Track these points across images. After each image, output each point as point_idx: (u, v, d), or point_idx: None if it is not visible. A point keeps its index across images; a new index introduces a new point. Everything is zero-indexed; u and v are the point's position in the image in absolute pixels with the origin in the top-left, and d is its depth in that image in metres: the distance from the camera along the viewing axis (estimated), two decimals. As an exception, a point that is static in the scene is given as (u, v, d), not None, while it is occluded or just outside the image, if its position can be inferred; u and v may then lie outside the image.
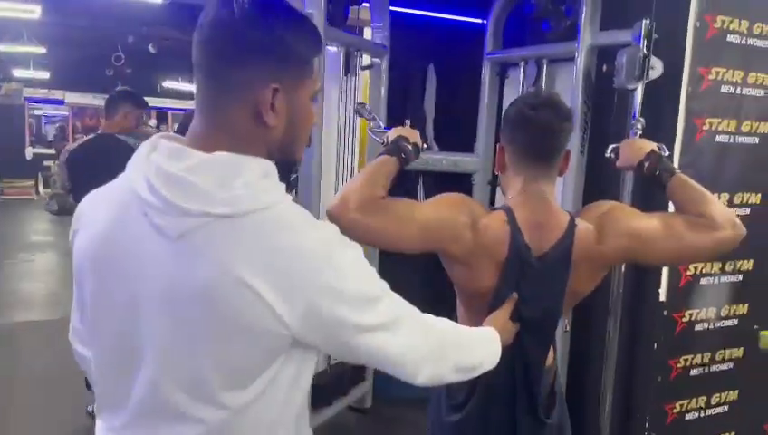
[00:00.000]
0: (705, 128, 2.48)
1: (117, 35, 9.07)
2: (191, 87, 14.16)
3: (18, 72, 12.23)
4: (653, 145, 1.50)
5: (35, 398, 3.48)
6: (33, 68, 11.85)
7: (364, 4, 3.08)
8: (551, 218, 1.36)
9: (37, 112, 14.81)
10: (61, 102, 14.06)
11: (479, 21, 3.45)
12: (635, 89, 2.34)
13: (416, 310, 0.96)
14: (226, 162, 0.81)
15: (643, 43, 2.27)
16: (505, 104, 3.14)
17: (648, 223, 1.36)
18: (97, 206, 0.89)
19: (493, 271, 1.33)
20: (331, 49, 2.75)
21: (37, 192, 12.39)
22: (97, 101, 14.25)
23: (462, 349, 1.07)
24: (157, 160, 0.81)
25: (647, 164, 1.44)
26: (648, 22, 2.26)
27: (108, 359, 0.90)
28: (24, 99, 13.53)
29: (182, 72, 13.06)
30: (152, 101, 14.51)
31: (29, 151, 13.18)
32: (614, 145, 1.62)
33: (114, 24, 8.07)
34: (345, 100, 2.88)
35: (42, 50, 9.50)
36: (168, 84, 13.44)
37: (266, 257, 0.78)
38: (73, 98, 14.03)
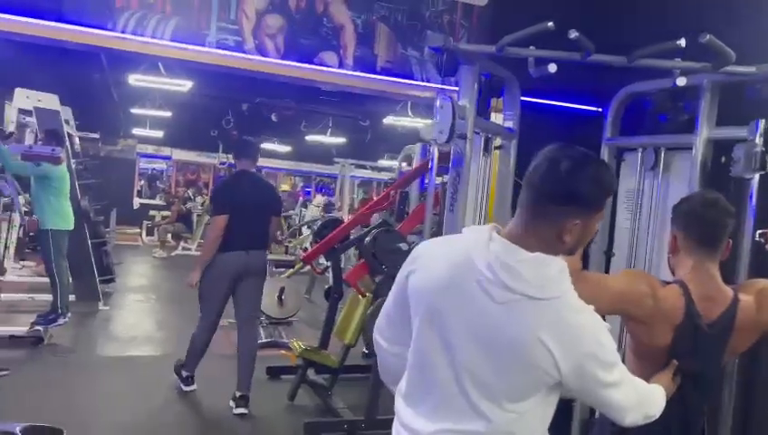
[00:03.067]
0: (816, 214, 2.77)
1: (232, 102, 10.09)
2: (285, 148, 15.24)
3: (136, 131, 13.55)
4: None
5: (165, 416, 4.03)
6: (149, 127, 13.13)
7: (501, 96, 3.58)
8: (718, 293, 1.75)
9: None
10: (168, 158, 15.36)
11: (595, 109, 3.88)
12: (751, 178, 2.68)
13: (628, 372, 1.37)
14: (541, 261, 1.25)
15: (759, 139, 2.62)
16: (621, 184, 3.55)
17: None
18: (433, 258, 1.35)
19: (668, 332, 1.71)
20: (476, 135, 3.24)
21: (141, 239, 13.42)
22: (200, 158, 15.52)
23: (650, 403, 1.47)
24: (495, 250, 1.26)
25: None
26: (764, 121, 2.62)
27: (417, 362, 1.36)
28: (137, 154, 14.88)
29: (279, 135, 14.08)
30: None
31: (136, 202, 14.39)
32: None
33: (233, 93, 9.03)
34: (483, 174, 3.34)
35: (168, 114, 10.61)
36: (265, 146, 14.49)
37: (559, 329, 1.23)
38: (179, 154, 15.31)
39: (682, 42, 2.52)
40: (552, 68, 2.66)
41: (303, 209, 13.40)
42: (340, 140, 12.86)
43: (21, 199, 5.96)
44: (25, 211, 6.21)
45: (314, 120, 11.72)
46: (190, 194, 13.74)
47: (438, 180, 4.28)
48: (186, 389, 4.41)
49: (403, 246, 3.77)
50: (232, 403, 4.15)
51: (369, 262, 3.83)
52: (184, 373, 4.44)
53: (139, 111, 10.92)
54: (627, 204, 3.46)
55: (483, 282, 1.25)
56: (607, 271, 3.49)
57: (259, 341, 5.82)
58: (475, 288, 1.26)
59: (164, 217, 13.04)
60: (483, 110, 3.24)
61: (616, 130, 3.55)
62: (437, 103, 2.84)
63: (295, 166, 15.53)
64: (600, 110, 3.72)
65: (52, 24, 2.91)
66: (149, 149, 15.26)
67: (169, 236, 12.17)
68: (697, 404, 1.78)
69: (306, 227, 10.45)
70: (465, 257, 1.28)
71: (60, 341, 5.32)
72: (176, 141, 14.83)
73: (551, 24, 2.54)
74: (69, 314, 5.45)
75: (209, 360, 4.56)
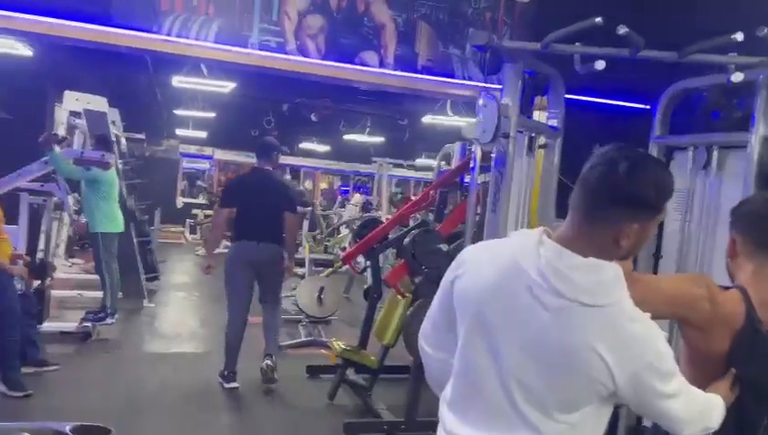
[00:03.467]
0: None
1: (273, 103, 10.21)
2: (324, 148, 15.34)
3: (179, 131, 13.83)
4: None
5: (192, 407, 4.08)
6: (191, 128, 13.38)
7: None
8: None
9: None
10: (210, 158, 15.63)
11: (642, 106, 3.77)
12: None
13: (686, 382, 1.31)
14: (595, 266, 1.20)
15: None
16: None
17: None
18: (479, 263, 1.31)
19: (726, 339, 1.63)
20: (520, 134, 3.18)
21: (185, 237, 13.68)
22: (240, 157, 15.74)
23: (709, 414, 1.41)
24: (546, 255, 1.21)
25: None
26: (826, 118, 2.50)
27: (463, 369, 1.32)
28: (180, 154, 15.19)
29: (318, 135, 14.19)
30: (288, 159, 15.94)
31: (180, 201, 14.69)
32: None
33: (274, 94, 9.13)
34: (526, 174, 3.28)
35: (211, 115, 10.79)
36: (304, 145, 14.62)
37: (614, 337, 1.18)
38: (220, 154, 15.57)
39: (739, 35, 2.42)
40: (600, 65, 2.59)
41: (341, 209, 13.48)
42: (379, 139, 12.87)
43: (70, 199, 6.14)
44: (74, 210, 6.41)
45: (353, 120, 11.76)
46: (231, 193, 13.92)
47: (480, 180, 4.24)
48: (227, 386, 4.47)
49: (443, 246, 3.73)
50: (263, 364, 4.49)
51: (409, 263, 3.81)
52: (225, 371, 4.52)
53: (182, 112, 11.13)
54: (676, 204, 3.35)
55: (533, 288, 1.21)
56: (654, 274, 3.39)
57: (298, 339, 5.91)
58: (524, 294, 1.21)
59: (206, 216, 13.26)
60: (526, 108, 3.18)
61: (665, 128, 3.44)
62: (480, 102, 2.80)
63: (333, 165, 15.62)
64: (647, 107, 3.61)
65: (101, 27, 2.99)
66: (192, 149, 15.57)
67: (211, 234, 12.37)
68: (756, 415, 1.69)
69: (344, 226, 10.51)
70: (514, 262, 1.24)
71: (107, 337, 5.46)
72: (217, 142, 15.08)
73: (599, 19, 2.47)
74: (117, 315, 5.60)
75: (251, 359, 4.61)
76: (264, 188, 4.57)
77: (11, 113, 5.93)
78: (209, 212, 13.32)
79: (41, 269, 5.04)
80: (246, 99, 9.86)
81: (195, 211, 14.17)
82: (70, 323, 5.45)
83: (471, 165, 3.29)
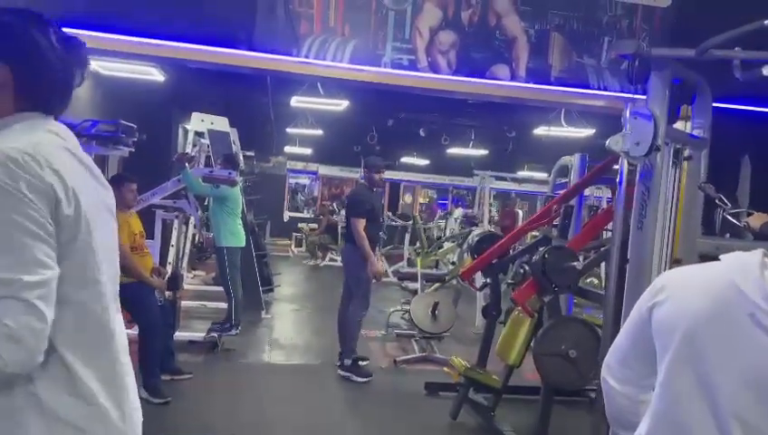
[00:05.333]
0: None
1: (376, 118, 10.36)
2: (424, 161, 15.35)
3: (287, 148, 14.36)
4: None
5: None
6: (298, 145, 13.85)
7: (688, 103, 3.30)
8: None
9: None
10: (315, 174, 16.10)
11: (798, 113, 3.45)
12: None
13: None
14: None
15: None
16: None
17: None
18: (686, 289, 1.21)
19: None
20: (665, 145, 2.99)
21: (291, 250, 14.13)
22: (343, 173, 16.11)
23: None
24: None
25: None
26: None
27: (665, 408, 1.20)
28: (287, 170, 15.77)
29: (421, 149, 14.24)
30: (388, 174, 16.08)
31: (286, 215, 15.21)
32: None
33: (379, 109, 9.26)
34: (671, 188, 3.09)
35: (319, 132, 11.10)
36: (405, 159, 14.73)
37: None
38: (324, 170, 16.01)
39: None
40: (768, 70, 2.38)
41: (441, 222, 13.45)
42: (482, 152, 12.71)
43: (198, 214, 6.49)
44: (199, 225, 6.77)
45: (456, 133, 11.68)
46: (335, 207, 14.26)
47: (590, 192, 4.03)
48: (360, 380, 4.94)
49: (577, 264, 3.58)
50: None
51: (539, 280, 3.68)
52: (346, 361, 5.04)
53: (292, 130, 11.53)
54: None
55: (757, 314, 1.09)
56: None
57: (412, 355, 5.88)
58: (746, 323, 1.10)
59: (311, 229, 13.64)
60: (671, 118, 3.00)
61: (831, 136, 3.14)
62: (627, 114, 2.66)
63: (433, 179, 15.60)
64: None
65: (246, 53, 3.13)
66: (299, 165, 16.11)
67: (316, 247, 12.69)
68: None
69: (449, 241, 10.43)
70: (732, 286, 1.13)
71: (231, 347, 5.68)
72: (322, 157, 15.51)
73: (767, 22, 2.27)
74: (240, 326, 5.83)
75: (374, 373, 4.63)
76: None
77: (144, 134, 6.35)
78: (314, 226, 13.70)
79: (174, 281, 5.33)
80: (352, 114, 10.05)
81: (300, 225, 14.59)
82: (197, 333, 5.72)
83: (618, 179, 3.14)
